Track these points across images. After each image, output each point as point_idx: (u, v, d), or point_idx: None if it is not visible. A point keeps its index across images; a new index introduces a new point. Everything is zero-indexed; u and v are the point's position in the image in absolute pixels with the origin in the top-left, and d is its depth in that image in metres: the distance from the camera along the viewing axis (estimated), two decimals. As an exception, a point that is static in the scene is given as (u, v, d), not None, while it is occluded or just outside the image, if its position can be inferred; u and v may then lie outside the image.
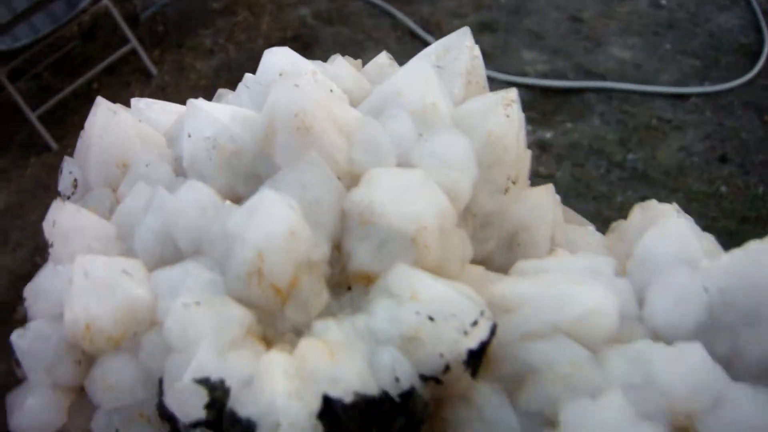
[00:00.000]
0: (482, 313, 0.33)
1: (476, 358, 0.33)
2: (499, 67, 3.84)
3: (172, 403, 0.32)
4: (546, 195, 0.42)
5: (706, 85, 3.64)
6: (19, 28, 3.78)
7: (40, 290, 0.37)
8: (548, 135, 3.49)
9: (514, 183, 0.40)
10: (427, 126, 0.40)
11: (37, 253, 3.39)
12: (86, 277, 0.34)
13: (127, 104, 0.44)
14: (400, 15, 4.11)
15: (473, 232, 0.41)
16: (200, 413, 0.32)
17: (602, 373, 0.32)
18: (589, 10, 4.09)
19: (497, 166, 0.40)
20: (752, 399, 0.31)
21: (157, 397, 0.33)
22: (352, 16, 4.20)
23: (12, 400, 0.36)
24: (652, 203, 0.39)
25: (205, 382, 0.32)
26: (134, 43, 4.00)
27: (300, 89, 0.37)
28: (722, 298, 0.33)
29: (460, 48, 0.43)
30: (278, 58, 0.41)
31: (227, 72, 4.08)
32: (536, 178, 3.28)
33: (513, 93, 0.40)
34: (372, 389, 0.31)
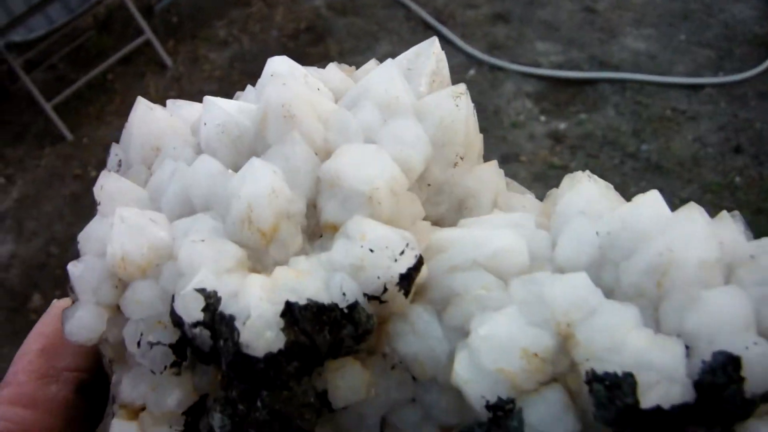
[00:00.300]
0: (407, 245, 0.46)
1: (406, 281, 0.47)
2: (513, 57, 3.95)
3: (178, 307, 0.46)
4: (491, 169, 0.55)
5: (721, 76, 3.74)
6: (34, 20, 3.91)
7: (90, 234, 0.52)
8: (562, 126, 3.58)
9: (462, 159, 0.53)
10: (392, 114, 0.52)
11: (52, 243, 3.53)
12: (123, 221, 0.48)
13: (143, 94, 0.58)
14: (413, 6, 4.21)
15: (428, 197, 0.54)
16: (199, 315, 0.46)
17: (507, 295, 0.45)
18: (603, 0, 4.18)
19: (448, 145, 0.53)
20: (618, 310, 0.43)
21: (170, 308, 0.46)
22: (366, 7, 4.31)
23: (66, 313, 0.50)
24: (578, 174, 0.51)
25: (202, 291, 0.46)
26: (149, 34, 4.14)
27: (286, 86, 0.51)
28: (609, 240, 0.46)
29: (427, 54, 0.56)
30: (276, 65, 0.55)
31: (241, 62, 4.19)
32: (550, 168, 3.40)
33: (462, 87, 0.53)
34: (324, 299, 0.45)
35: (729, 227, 0.46)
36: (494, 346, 0.43)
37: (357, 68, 0.61)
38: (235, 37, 4.38)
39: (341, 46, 4.08)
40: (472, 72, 3.87)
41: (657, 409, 0.40)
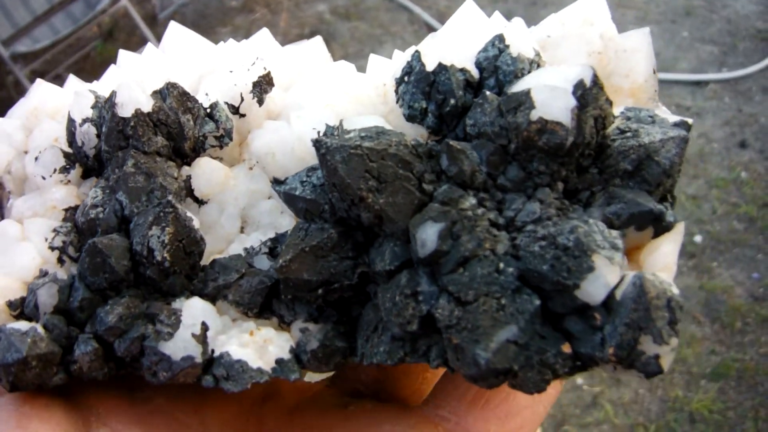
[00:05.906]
0: (257, 59, 0.59)
1: (258, 88, 0.58)
2: (517, 58, 4.02)
3: (73, 109, 0.57)
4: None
5: (724, 72, 3.85)
6: (38, 30, 3.99)
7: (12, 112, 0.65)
8: (567, 126, 3.65)
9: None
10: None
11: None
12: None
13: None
14: (416, 9, 4.32)
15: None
16: (88, 111, 0.56)
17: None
18: (606, -1, 4.25)
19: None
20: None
21: (67, 120, 0.58)
22: (370, 11, 4.41)
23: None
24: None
25: (93, 92, 0.57)
26: (153, 42, 4.18)
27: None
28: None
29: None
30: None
31: (246, 70, 4.27)
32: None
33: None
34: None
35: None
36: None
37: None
38: (239, 45, 4.46)
39: (345, 51, 4.18)
40: (476, 74, 3.94)
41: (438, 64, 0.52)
